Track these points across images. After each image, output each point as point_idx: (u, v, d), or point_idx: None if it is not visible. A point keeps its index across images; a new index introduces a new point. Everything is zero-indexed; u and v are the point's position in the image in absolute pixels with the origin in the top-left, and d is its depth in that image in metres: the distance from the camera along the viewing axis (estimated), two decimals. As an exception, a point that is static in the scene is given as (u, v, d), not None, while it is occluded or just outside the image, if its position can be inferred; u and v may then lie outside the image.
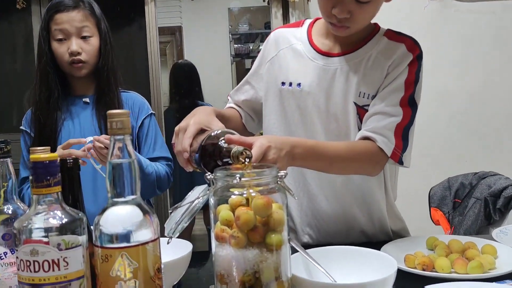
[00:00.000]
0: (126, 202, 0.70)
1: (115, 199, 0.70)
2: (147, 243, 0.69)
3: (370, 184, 1.25)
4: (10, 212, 0.78)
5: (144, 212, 0.71)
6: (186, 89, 3.51)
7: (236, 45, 5.03)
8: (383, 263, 0.90)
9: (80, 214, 0.68)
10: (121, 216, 0.69)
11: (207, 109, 1.08)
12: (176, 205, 0.79)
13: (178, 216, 0.80)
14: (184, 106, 3.31)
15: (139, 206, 0.71)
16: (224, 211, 0.78)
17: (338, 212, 1.27)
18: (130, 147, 0.71)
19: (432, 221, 2.04)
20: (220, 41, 4.88)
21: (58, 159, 0.71)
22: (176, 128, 1.01)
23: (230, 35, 4.89)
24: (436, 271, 1.02)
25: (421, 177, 2.28)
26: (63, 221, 0.65)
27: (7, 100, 3.12)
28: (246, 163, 0.83)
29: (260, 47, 1.41)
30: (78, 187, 0.78)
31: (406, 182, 1.35)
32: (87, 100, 1.60)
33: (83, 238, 0.67)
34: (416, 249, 1.15)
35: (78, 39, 1.53)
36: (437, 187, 2.06)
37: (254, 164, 0.88)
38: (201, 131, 0.99)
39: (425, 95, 1.22)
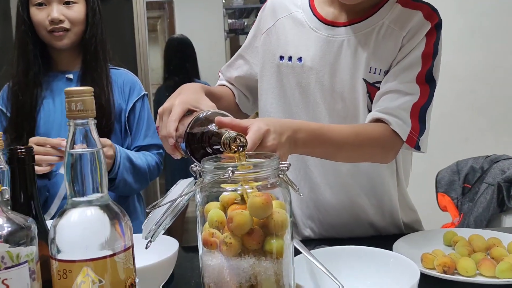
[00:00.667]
0: (89, 203, 0.56)
1: (76, 199, 0.56)
2: (116, 254, 0.56)
3: (380, 172, 1.11)
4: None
5: (113, 214, 0.57)
6: (181, 66, 3.33)
7: (230, 20, 4.82)
8: (402, 268, 0.76)
9: (28, 221, 0.54)
10: (83, 221, 0.55)
11: (194, 86, 0.93)
12: (155, 203, 0.65)
13: (158, 216, 0.66)
14: (178, 85, 3.12)
15: (107, 207, 0.57)
16: (213, 211, 0.64)
17: (344, 202, 1.13)
18: (95, 134, 0.57)
19: (439, 207, 1.91)
20: (214, 16, 4.67)
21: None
22: (160, 109, 0.87)
23: (224, 10, 4.68)
24: (459, 274, 0.89)
25: (426, 161, 2.14)
26: (4, 231, 0.51)
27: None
28: (240, 152, 0.68)
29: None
30: (32, 182, 0.63)
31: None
32: (71, 76, 1.42)
33: (30, 251, 0.53)
34: (431, 245, 1.03)
35: (60, 5, 1.36)
36: (445, 171, 1.93)
37: (251, 152, 0.74)
38: (188, 112, 0.84)
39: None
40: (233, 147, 0.68)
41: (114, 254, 0.55)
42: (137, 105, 1.46)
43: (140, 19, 2.72)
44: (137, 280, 0.59)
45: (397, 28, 1.04)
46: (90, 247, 0.54)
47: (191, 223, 3.94)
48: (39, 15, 1.36)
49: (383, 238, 1.14)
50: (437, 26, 1.03)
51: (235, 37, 5.02)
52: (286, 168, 0.65)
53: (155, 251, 0.91)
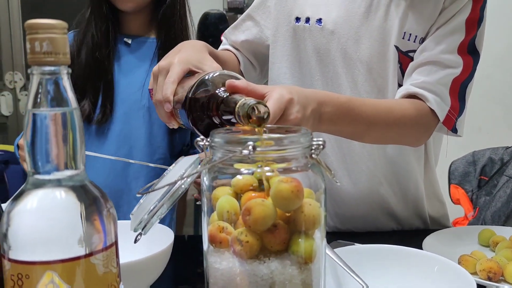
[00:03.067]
0: (58, 182, 0.41)
1: (39, 177, 0.41)
2: (93, 254, 0.40)
3: (406, 156, 0.97)
4: None
5: (90, 200, 0.41)
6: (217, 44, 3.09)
7: (229, -2, 4.62)
8: (450, 277, 0.62)
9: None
10: (48, 207, 0.40)
11: (196, 43, 0.78)
12: (148, 185, 0.50)
13: (151, 202, 0.51)
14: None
15: (82, 189, 0.41)
16: (224, 198, 0.49)
17: (363, 192, 0.99)
18: (69, 88, 0.41)
19: (451, 200, 1.78)
20: (212, -7, 4.48)
21: None
22: (155, 68, 0.71)
23: (223, -14, 4.48)
24: (505, 281, 0.75)
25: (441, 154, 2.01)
26: None
27: None
28: (261, 123, 0.53)
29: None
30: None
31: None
32: (129, 41, 1.20)
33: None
34: (465, 244, 0.89)
35: None
36: (459, 161, 1.79)
37: (270, 125, 0.59)
38: (190, 73, 0.69)
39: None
40: (253, 117, 0.53)
41: (90, 254, 0.40)
42: None
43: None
44: (122, 286, 0.44)
45: None
46: (57, 243, 0.39)
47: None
48: None
49: (408, 234, 1.00)
50: None
51: (234, 16, 4.81)
52: (322, 146, 0.50)
53: (143, 243, 0.77)
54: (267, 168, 0.48)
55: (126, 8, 1.17)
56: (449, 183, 1.79)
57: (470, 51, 0.87)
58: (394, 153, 0.97)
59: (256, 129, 0.53)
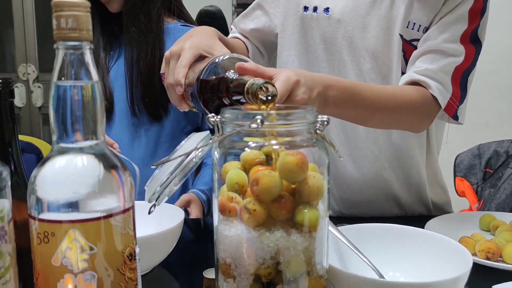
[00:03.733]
0: (80, 150, 0.44)
1: (64, 145, 0.44)
2: (112, 215, 0.44)
3: (409, 142, 1.00)
4: None
5: (110, 166, 0.45)
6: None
7: (239, -6, 4.64)
8: (448, 253, 0.65)
9: (-1, 166, 0.42)
10: (72, 171, 0.43)
11: (207, 29, 0.81)
12: (162, 159, 0.53)
13: (165, 175, 0.54)
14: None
15: (103, 157, 0.45)
16: (234, 171, 0.52)
17: (368, 177, 1.01)
18: (91, 62, 0.44)
19: (456, 192, 1.80)
20: (221, -12, 4.50)
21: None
22: (167, 53, 0.75)
23: (232, -18, 4.50)
24: (503, 261, 0.78)
25: (443, 143, 2.02)
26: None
27: None
28: (269, 103, 0.56)
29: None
30: (9, 122, 0.51)
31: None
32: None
33: (2, 205, 0.41)
34: (466, 228, 0.92)
35: None
36: (465, 154, 1.81)
37: (278, 105, 0.62)
38: (200, 58, 0.72)
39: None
40: (260, 96, 0.56)
41: (110, 216, 0.44)
42: None
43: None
44: (137, 250, 0.47)
45: None
46: (80, 205, 0.42)
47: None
48: None
49: (411, 218, 1.03)
50: None
51: (242, 12, 4.84)
52: (326, 122, 0.53)
53: (155, 221, 0.81)
54: (274, 142, 0.51)
55: (113, 10, 1.21)
56: (455, 176, 1.81)
57: (472, 41, 0.89)
58: (398, 138, 1.00)
59: (265, 107, 0.56)
